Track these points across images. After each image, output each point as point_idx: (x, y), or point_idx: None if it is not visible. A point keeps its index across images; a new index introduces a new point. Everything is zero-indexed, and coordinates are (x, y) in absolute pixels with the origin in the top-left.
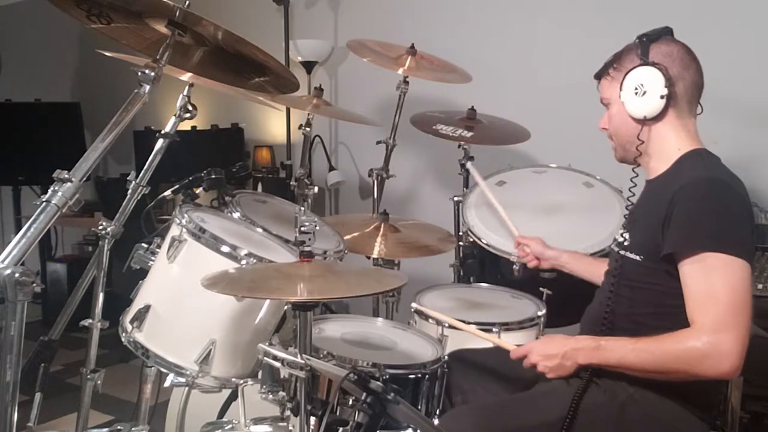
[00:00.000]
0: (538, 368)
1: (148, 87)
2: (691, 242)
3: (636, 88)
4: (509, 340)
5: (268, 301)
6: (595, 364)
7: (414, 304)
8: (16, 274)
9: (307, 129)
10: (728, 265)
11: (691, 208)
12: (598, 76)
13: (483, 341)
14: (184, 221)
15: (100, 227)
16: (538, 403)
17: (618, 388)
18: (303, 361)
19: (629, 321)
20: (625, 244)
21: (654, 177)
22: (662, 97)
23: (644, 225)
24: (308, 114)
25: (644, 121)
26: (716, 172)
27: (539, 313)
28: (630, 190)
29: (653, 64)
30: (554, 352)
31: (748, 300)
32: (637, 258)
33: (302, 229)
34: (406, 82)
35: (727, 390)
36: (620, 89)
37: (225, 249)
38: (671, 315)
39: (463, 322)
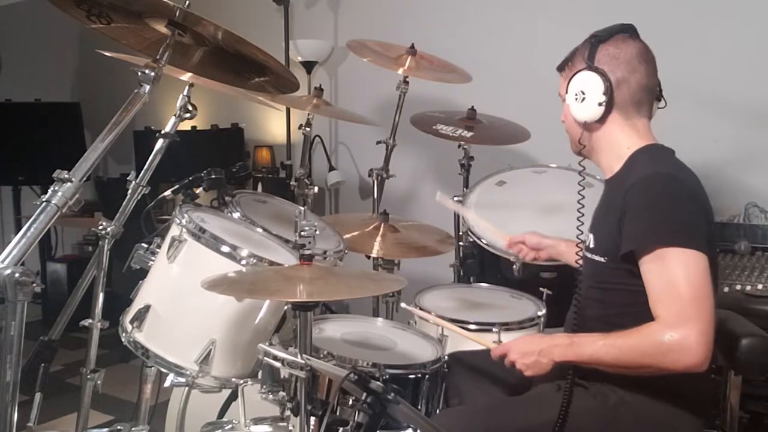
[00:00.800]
0: (516, 366)
1: (148, 87)
2: (646, 239)
3: (576, 94)
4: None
5: (268, 302)
6: (570, 361)
7: (403, 304)
8: (16, 274)
9: (307, 129)
10: (685, 258)
11: (641, 205)
12: (559, 70)
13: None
14: (184, 221)
15: (100, 227)
16: (527, 407)
17: (608, 391)
18: (303, 361)
19: (601, 323)
20: (591, 246)
21: (610, 177)
22: (600, 104)
23: (604, 226)
24: (308, 114)
25: (585, 125)
26: (665, 167)
27: (539, 313)
28: (579, 193)
29: (595, 70)
30: (531, 349)
31: (709, 291)
32: (602, 260)
33: (302, 233)
34: (406, 82)
35: (726, 390)
36: (566, 91)
37: (225, 249)
38: (641, 313)
39: (464, 322)
